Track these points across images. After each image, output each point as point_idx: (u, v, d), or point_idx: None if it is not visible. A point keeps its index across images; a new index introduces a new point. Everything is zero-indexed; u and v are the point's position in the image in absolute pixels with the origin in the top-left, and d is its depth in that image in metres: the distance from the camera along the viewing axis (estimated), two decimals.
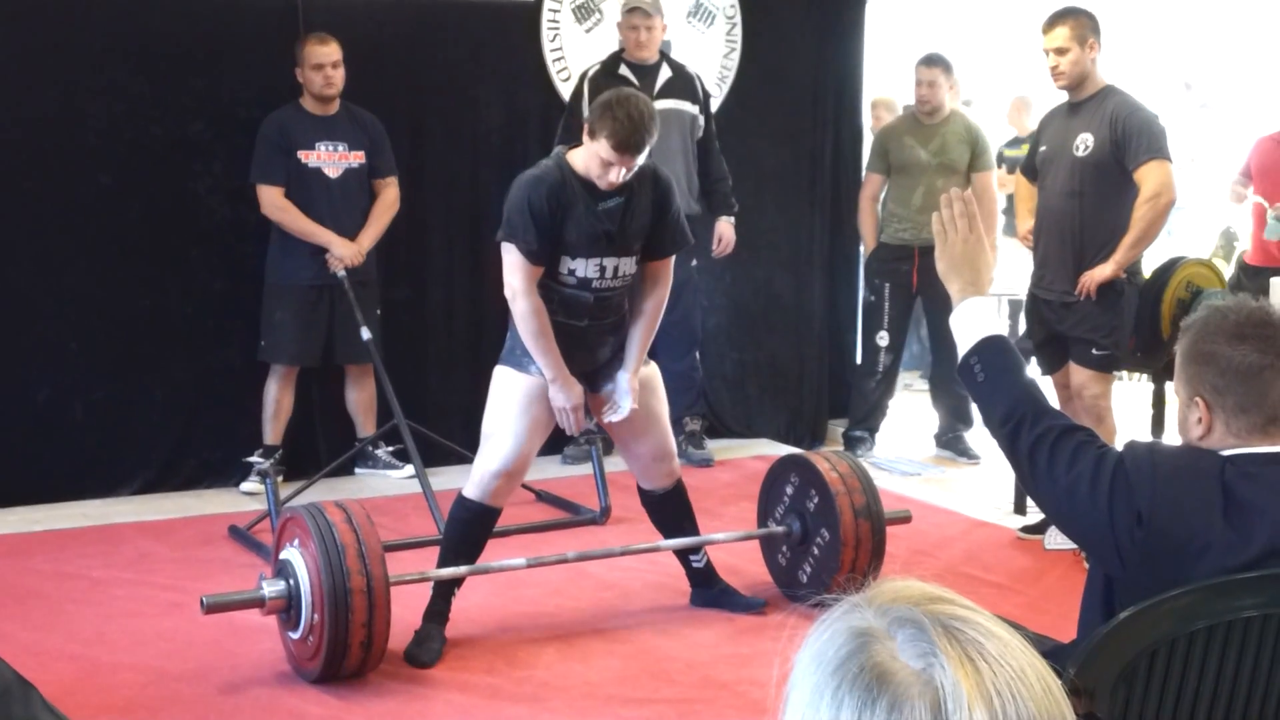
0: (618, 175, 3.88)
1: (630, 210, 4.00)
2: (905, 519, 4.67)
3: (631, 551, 4.46)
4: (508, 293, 3.97)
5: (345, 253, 5.64)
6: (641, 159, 3.90)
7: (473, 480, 4.10)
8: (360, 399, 5.95)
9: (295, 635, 3.80)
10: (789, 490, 4.55)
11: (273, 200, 5.64)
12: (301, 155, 5.65)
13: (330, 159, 5.70)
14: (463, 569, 4.09)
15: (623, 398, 4.14)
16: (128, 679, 3.84)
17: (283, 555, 3.85)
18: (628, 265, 4.08)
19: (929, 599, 1.00)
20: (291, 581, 3.77)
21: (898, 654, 0.96)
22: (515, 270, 3.93)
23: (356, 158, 5.75)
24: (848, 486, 4.36)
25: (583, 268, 4.00)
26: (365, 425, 5.95)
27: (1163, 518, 2.06)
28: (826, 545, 4.37)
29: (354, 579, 3.65)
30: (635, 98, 3.89)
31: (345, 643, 3.67)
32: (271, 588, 3.79)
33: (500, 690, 3.80)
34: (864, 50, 7.31)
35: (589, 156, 3.90)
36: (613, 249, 4.02)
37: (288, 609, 3.79)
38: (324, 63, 5.62)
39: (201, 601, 3.74)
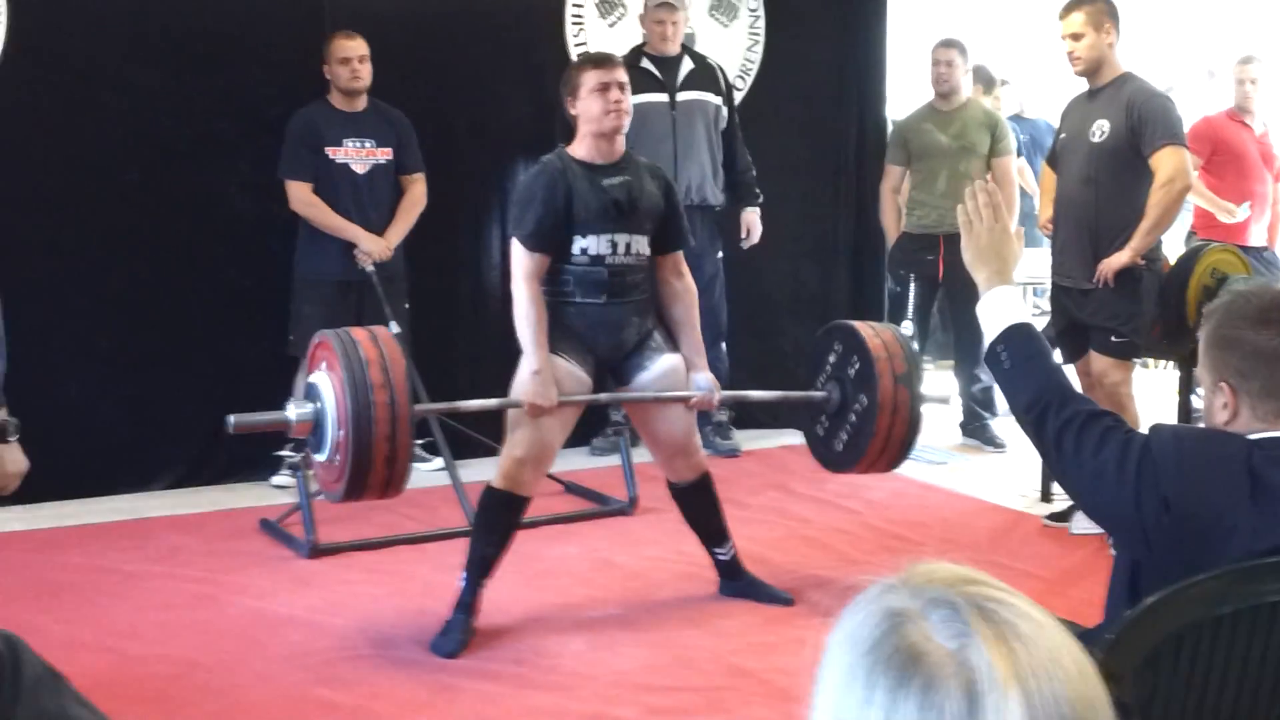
0: (619, 94, 4.04)
1: (634, 187, 4.11)
2: (944, 402, 4.78)
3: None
4: (512, 283, 4.10)
5: (373, 248, 5.66)
6: (623, 73, 4.09)
7: (498, 469, 4.11)
8: None
9: (322, 458, 3.80)
10: (831, 359, 4.46)
11: (301, 196, 5.67)
12: (329, 151, 5.67)
13: (358, 155, 5.73)
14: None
15: (699, 390, 4.20)
16: (159, 670, 3.87)
17: (310, 379, 3.85)
18: (640, 244, 4.15)
19: (963, 580, 0.99)
20: (318, 404, 3.76)
21: (932, 635, 0.95)
22: (517, 261, 4.09)
23: (384, 154, 5.78)
24: (890, 353, 4.29)
25: (594, 244, 4.08)
26: None
27: (1189, 502, 2.06)
28: (864, 411, 4.30)
29: (377, 393, 3.63)
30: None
31: (369, 458, 3.66)
32: (299, 409, 3.79)
33: (528, 679, 3.81)
34: (886, 41, 7.29)
35: (585, 118, 4.08)
36: (623, 222, 4.10)
37: (314, 431, 3.79)
38: (351, 56, 5.65)
39: (228, 421, 3.73)
